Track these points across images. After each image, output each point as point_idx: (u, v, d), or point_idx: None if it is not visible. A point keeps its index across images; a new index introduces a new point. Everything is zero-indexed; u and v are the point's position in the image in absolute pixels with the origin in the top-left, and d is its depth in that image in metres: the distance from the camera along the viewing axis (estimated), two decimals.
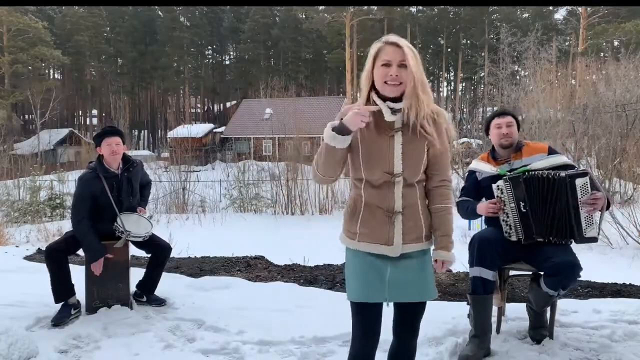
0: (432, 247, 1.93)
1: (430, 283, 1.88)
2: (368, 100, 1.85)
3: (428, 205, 1.92)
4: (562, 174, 2.60)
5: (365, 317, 1.88)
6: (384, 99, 1.81)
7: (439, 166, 1.89)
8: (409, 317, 1.92)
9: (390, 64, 1.77)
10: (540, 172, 2.66)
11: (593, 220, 2.60)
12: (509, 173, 2.75)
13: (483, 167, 2.93)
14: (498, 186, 2.74)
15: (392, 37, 1.81)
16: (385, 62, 1.78)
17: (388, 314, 1.93)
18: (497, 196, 2.75)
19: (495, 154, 2.94)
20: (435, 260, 1.91)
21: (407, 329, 1.94)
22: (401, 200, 1.82)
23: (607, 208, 2.61)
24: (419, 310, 1.92)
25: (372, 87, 1.84)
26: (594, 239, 2.64)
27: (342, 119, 1.76)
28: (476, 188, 2.95)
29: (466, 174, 3.13)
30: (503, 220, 2.75)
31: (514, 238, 2.72)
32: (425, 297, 1.87)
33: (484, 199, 2.92)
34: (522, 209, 2.66)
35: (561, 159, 2.77)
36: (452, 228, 1.92)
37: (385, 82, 1.77)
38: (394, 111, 1.80)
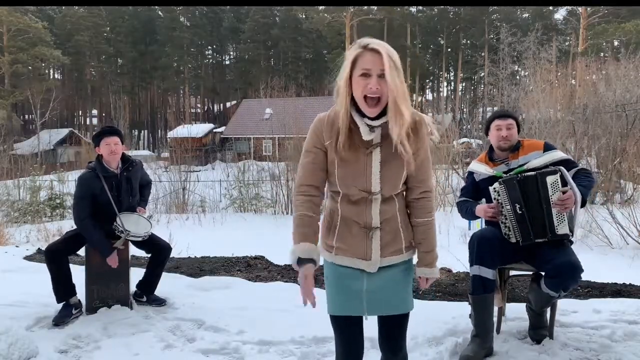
0: (415, 263, 1.85)
1: (410, 294, 1.81)
2: (352, 118, 1.68)
3: (409, 217, 1.82)
4: (533, 172, 2.63)
5: (345, 332, 1.81)
6: (362, 114, 1.67)
7: (420, 179, 1.77)
8: (392, 330, 1.83)
9: (370, 73, 1.60)
10: (527, 172, 2.67)
11: (564, 217, 2.61)
12: (504, 175, 2.76)
13: (480, 168, 2.95)
14: (494, 188, 2.75)
15: (372, 43, 1.61)
16: (364, 71, 1.61)
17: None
18: (495, 199, 2.76)
19: (492, 155, 2.95)
20: (419, 277, 1.84)
21: (392, 343, 1.84)
22: (379, 216, 1.73)
23: (583, 205, 2.61)
24: (403, 322, 1.82)
25: (351, 98, 1.67)
26: (566, 236, 2.65)
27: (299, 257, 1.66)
28: (475, 189, 2.98)
29: (466, 174, 3.14)
30: (502, 222, 2.75)
31: (512, 240, 2.72)
32: (405, 308, 1.79)
33: (483, 200, 2.92)
34: (518, 210, 2.66)
35: (557, 154, 2.77)
36: (436, 242, 1.84)
37: (365, 98, 1.62)
38: (372, 128, 1.67)
